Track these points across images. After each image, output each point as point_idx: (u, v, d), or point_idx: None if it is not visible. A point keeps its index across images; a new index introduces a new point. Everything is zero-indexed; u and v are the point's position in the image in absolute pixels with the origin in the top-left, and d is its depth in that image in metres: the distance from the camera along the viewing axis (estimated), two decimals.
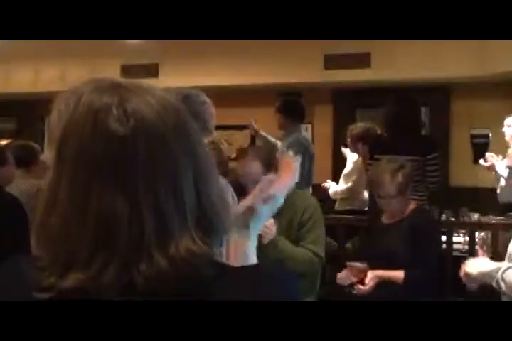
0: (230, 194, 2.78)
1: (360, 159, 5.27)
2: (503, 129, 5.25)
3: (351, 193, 5.45)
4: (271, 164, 3.32)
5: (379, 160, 3.78)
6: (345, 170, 5.64)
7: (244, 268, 0.98)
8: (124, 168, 0.78)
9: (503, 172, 5.04)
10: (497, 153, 5.45)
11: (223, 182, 2.87)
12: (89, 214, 0.78)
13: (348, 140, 5.49)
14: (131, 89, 0.83)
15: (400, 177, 3.29)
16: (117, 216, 0.77)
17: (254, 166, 3.22)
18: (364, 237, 3.78)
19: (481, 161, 5.24)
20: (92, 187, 0.78)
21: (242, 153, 3.52)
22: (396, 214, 3.41)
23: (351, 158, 5.60)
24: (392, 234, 3.35)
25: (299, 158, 1.38)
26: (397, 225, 3.38)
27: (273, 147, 3.84)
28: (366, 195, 5.20)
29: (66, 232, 0.79)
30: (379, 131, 5.16)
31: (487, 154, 5.29)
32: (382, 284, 3.26)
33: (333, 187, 5.62)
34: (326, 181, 5.78)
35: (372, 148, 4.60)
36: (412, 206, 3.44)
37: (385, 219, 3.49)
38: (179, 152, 0.82)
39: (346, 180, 5.54)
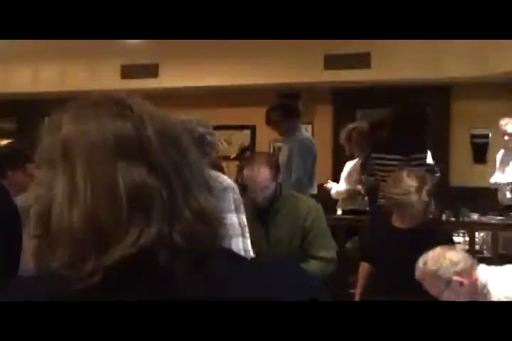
0: (233, 197, 2.82)
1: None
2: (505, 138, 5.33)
3: (352, 193, 5.45)
4: (278, 170, 3.35)
5: (396, 172, 3.56)
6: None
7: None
8: (141, 148, 0.87)
9: None
10: (496, 153, 5.47)
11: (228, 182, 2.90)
12: (118, 191, 0.84)
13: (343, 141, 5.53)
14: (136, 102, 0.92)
15: (424, 196, 3.18)
16: (148, 185, 0.85)
17: (264, 172, 3.23)
18: (373, 240, 3.62)
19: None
20: (115, 167, 0.85)
21: (249, 159, 3.51)
22: (413, 224, 3.32)
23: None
24: (412, 240, 3.24)
25: None
26: (413, 231, 3.29)
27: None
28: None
29: (96, 215, 0.84)
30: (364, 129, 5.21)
31: None
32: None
33: (334, 188, 5.61)
34: (326, 181, 5.78)
35: (369, 146, 4.67)
36: (429, 216, 3.38)
37: (397, 223, 3.39)
38: (185, 144, 0.92)
39: (347, 180, 5.54)
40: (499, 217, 4.98)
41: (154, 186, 0.85)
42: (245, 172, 3.30)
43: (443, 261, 2.57)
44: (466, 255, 2.68)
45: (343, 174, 5.61)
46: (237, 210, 2.90)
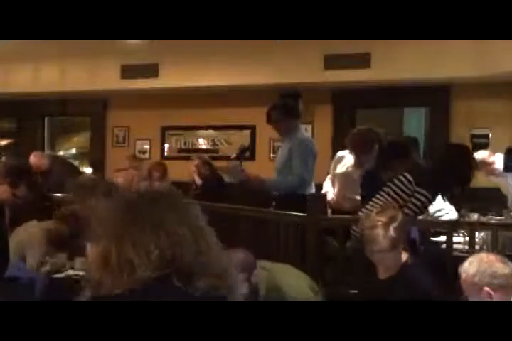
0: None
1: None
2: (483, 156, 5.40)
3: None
4: (254, 268, 3.07)
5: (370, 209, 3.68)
6: (341, 170, 5.61)
7: None
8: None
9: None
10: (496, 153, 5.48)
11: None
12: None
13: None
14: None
15: (391, 232, 3.17)
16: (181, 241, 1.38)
17: (236, 256, 2.95)
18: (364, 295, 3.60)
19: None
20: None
21: None
22: (390, 269, 3.27)
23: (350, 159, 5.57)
24: (389, 292, 3.17)
25: None
26: (391, 281, 3.23)
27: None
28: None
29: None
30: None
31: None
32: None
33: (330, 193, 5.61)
34: (325, 180, 5.76)
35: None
36: (404, 257, 3.29)
37: (380, 275, 3.32)
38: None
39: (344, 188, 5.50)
40: (499, 217, 4.98)
41: (188, 239, 1.37)
42: None
43: (486, 269, 2.54)
44: None
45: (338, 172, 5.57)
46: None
